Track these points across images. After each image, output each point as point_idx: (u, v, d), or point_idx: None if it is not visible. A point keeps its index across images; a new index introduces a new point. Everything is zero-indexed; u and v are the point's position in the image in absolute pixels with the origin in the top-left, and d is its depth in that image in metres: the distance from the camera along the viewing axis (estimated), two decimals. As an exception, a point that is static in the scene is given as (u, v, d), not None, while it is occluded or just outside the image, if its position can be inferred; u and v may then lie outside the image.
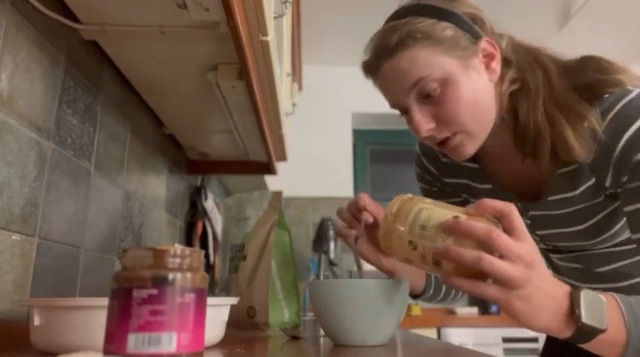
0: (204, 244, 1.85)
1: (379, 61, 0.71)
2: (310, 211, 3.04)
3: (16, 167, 0.74)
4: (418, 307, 2.66)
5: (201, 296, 0.39)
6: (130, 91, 1.17)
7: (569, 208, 0.75)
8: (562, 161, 0.71)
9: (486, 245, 0.52)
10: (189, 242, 1.76)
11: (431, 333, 2.40)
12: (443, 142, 0.72)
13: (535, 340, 2.34)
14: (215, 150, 1.66)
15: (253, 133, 1.42)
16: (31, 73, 0.78)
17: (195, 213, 1.80)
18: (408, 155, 0.97)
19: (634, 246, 0.78)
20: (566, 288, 0.55)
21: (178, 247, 0.39)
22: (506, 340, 2.39)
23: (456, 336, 2.40)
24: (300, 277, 1.12)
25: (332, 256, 2.59)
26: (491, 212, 0.54)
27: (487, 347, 2.33)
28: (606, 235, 0.76)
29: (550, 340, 1.07)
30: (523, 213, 0.79)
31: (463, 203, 0.77)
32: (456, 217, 0.54)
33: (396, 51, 0.68)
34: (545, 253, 0.90)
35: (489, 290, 0.52)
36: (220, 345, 0.64)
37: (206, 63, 1.03)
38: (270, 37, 0.94)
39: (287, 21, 1.42)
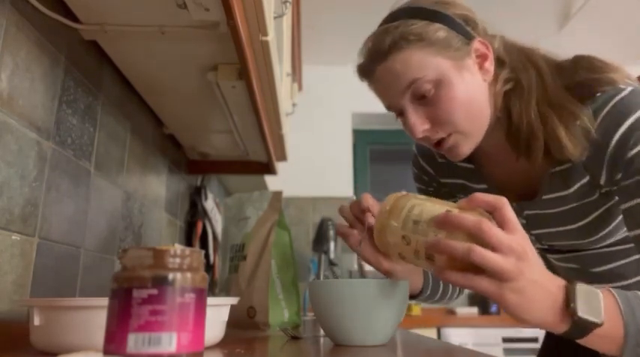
0: (204, 244, 1.85)
1: (373, 64, 0.72)
2: (310, 211, 3.04)
3: (16, 167, 0.74)
4: (418, 307, 2.66)
5: (201, 296, 0.39)
6: (130, 91, 1.17)
7: (563, 206, 0.75)
8: (555, 160, 0.71)
9: (478, 238, 0.52)
10: (189, 242, 1.76)
11: (431, 333, 2.40)
12: (439, 143, 0.73)
13: (535, 340, 2.34)
14: (215, 150, 1.66)
15: (253, 133, 1.42)
16: (31, 73, 0.78)
17: (195, 213, 1.80)
18: (408, 155, 0.97)
19: (629, 246, 0.78)
20: (561, 282, 0.55)
21: (178, 247, 0.39)
22: (506, 340, 2.39)
23: (456, 336, 2.40)
24: (300, 277, 1.12)
25: (332, 256, 2.59)
26: (483, 206, 0.54)
27: (487, 347, 2.33)
28: (600, 235, 0.76)
29: (548, 338, 1.07)
30: (518, 213, 0.79)
31: None
32: (448, 211, 0.54)
33: (390, 53, 0.69)
34: (542, 253, 0.90)
35: (482, 283, 0.52)
36: (220, 345, 0.64)
37: (206, 63, 1.03)
38: (270, 37, 0.94)
39: (287, 21, 1.42)
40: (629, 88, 0.67)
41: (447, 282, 0.55)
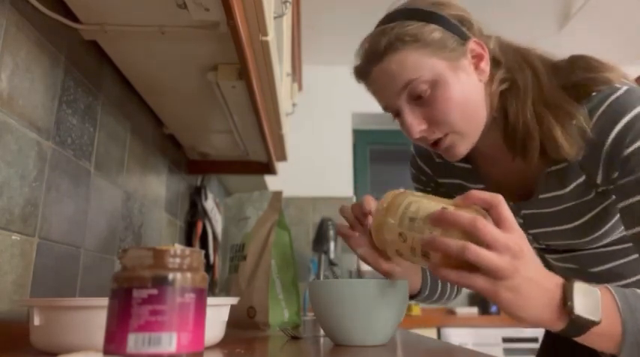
0: (204, 244, 1.85)
1: (370, 66, 0.72)
2: (310, 211, 3.04)
3: (16, 167, 0.74)
4: (418, 307, 2.66)
5: (201, 296, 0.39)
6: (130, 91, 1.17)
7: (559, 206, 0.75)
8: (551, 160, 0.72)
9: (473, 236, 0.52)
10: (189, 242, 1.76)
11: (431, 333, 2.40)
12: (436, 143, 0.73)
13: (535, 340, 2.34)
14: (215, 150, 1.66)
15: (253, 133, 1.42)
16: (31, 73, 0.78)
17: (195, 213, 1.80)
18: (408, 155, 0.98)
19: (627, 245, 0.79)
20: (559, 280, 0.55)
21: (178, 247, 0.39)
22: (506, 340, 2.39)
23: (456, 336, 2.40)
24: (300, 277, 1.12)
25: (332, 256, 2.59)
26: (478, 203, 0.54)
27: (487, 347, 2.33)
28: (597, 234, 0.76)
29: (547, 336, 1.07)
30: (516, 212, 0.79)
31: None
32: (443, 208, 0.55)
33: (386, 54, 0.70)
34: (540, 253, 0.91)
35: (477, 281, 0.52)
36: (220, 345, 0.64)
37: (206, 63, 1.03)
38: (270, 37, 0.94)
39: (287, 21, 1.42)
40: (625, 88, 0.67)
41: (442, 279, 0.54)
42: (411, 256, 0.59)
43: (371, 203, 0.68)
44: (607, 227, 0.76)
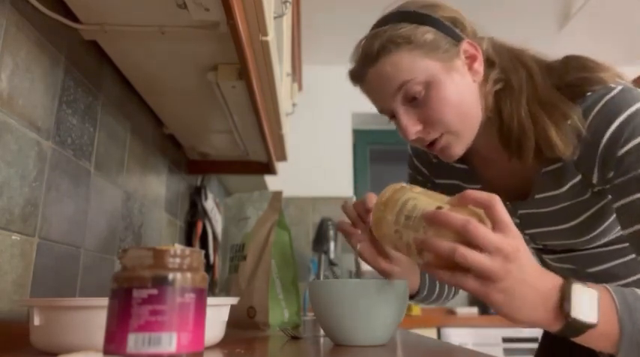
0: (204, 244, 1.85)
1: (364, 68, 0.73)
2: (310, 211, 3.04)
3: (16, 167, 0.74)
4: (418, 307, 2.66)
5: (201, 296, 0.39)
6: (130, 91, 1.17)
7: (555, 205, 0.76)
8: (547, 159, 0.72)
9: (464, 237, 0.52)
10: (189, 242, 1.76)
11: (431, 333, 2.40)
12: (431, 144, 0.73)
13: (535, 340, 2.32)
14: (215, 150, 1.66)
15: (253, 133, 1.42)
16: (31, 73, 0.78)
17: (195, 213, 1.80)
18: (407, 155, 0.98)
19: (624, 245, 0.79)
20: (557, 280, 0.55)
21: (178, 247, 0.39)
22: (506, 340, 2.39)
23: (456, 336, 2.40)
24: (300, 277, 1.11)
25: (332, 256, 2.59)
26: (473, 203, 0.54)
27: (487, 347, 2.33)
28: (593, 234, 0.77)
29: (545, 336, 1.08)
30: (512, 212, 0.80)
31: None
32: (439, 207, 0.54)
33: (379, 57, 0.70)
34: (538, 253, 0.91)
35: (468, 282, 0.52)
36: (220, 345, 0.64)
37: (206, 63, 1.03)
38: (270, 37, 0.94)
39: (287, 21, 1.42)
40: (619, 87, 0.67)
41: (434, 277, 0.55)
42: (408, 253, 0.60)
43: (373, 201, 0.69)
44: (603, 227, 0.76)
